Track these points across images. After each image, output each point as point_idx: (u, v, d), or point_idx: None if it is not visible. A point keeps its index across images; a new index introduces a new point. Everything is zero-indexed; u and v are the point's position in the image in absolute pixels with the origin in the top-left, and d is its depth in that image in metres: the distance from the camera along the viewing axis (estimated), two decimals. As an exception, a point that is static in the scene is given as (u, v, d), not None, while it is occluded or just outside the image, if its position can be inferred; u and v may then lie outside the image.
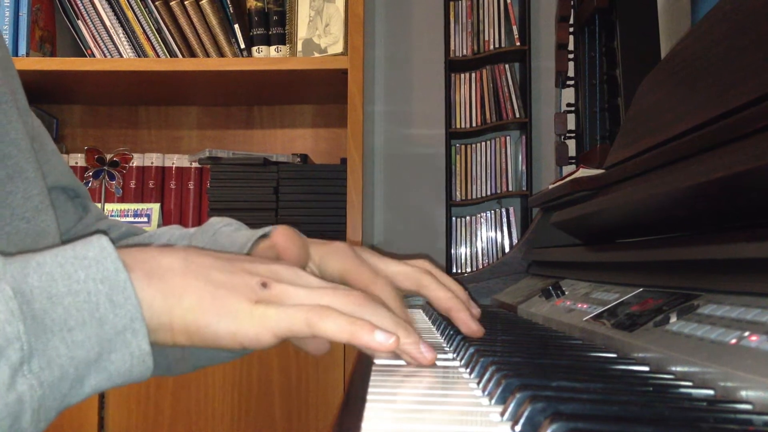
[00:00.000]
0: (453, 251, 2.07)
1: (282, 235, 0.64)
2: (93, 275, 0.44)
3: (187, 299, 0.47)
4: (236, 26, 1.90)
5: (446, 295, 0.66)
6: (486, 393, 0.45)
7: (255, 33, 1.90)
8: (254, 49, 1.90)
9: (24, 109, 0.70)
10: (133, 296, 0.44)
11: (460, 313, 0.65)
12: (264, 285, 0.50)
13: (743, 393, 0.40)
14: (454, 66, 2.11)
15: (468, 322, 0.65)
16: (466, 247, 2.08)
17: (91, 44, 1.92)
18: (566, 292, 0.90)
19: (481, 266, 2.07)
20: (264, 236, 0.68)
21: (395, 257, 0.70)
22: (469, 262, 2.08)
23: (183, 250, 0.50)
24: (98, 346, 0.43)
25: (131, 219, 1.94)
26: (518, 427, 0.35)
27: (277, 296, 0.50)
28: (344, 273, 0.65)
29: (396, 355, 0.56)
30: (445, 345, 0.70)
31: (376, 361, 0.58)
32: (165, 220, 2.00)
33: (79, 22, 1.92)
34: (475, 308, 0.68)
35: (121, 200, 2.00)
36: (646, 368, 0.52)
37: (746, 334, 0.44)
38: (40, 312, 0.42)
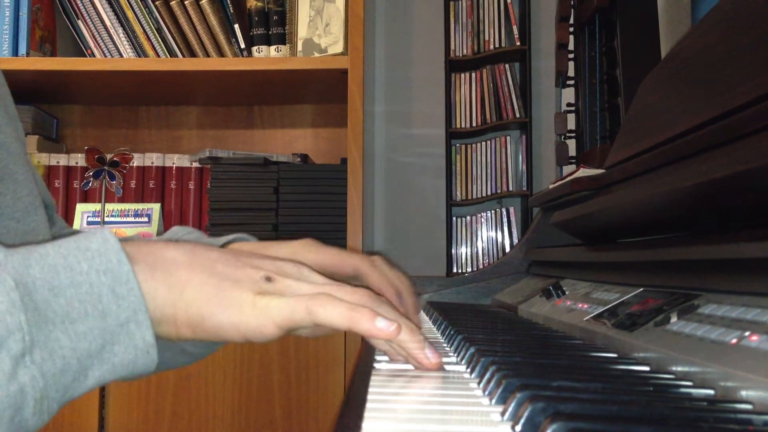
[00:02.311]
0: (453, 251, 2.07)
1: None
2: (96, 266, 0.43)
3: (191, 291, 0.47)
4: (236, 26, 1.90)
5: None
6: (486, 393, 0.45)
7: (255, 33, 1.90)
8: (254, 48, 1.90)
9: (12, 114, 0.71)
10: (136, 287, 0.44)
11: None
12: (268, 279, 0.51)
13: (743, 393, 0.40)
14: (454, 66, 2.11)
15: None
16: (466, 247, 2.09)
17: (92, 44, 1.92)
18: (567, 292, 0.90)
19: (481, 266, 2.07)
20: (226, 244, 0.70)
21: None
22: (469, 262, 2.08)
23: (188, 244, 0.50)
24: (101, 338, 0.43)
25: (132, 219, 1.94)
26: (518, 427, 0.35)
27: (281, 289, 0.50)
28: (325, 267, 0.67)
29: (401, 358, 0.56)
30: (445, 345, 0.71)
31: (377, 361, 0.58)
32: (165, 220, 2.00)
33: (80, 22, 1.92)
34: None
35: (122, 200, 2.00)
36: (646, 368, 0.52)
37: (746, 333, 0.44)
38: (42, 303, 0.41)
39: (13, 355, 0.40)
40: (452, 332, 0.71)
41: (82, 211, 1.94)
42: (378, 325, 0.50)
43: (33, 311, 0.41)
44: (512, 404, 0.38)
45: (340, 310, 0.50)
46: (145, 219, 1.94)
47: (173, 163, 2.03)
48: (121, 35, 1.91)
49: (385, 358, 0.60)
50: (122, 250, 0.44)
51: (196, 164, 2.01)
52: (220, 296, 0.48)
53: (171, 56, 1.90)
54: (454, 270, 2.06)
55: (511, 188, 2.07)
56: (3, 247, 0.44)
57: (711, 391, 0.43)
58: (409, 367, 0.56)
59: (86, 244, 0.44)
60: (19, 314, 0.40)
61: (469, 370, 0.54)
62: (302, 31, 1.88)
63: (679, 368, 0.49)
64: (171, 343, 0.68)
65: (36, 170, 0.79)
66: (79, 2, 1.91)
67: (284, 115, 2.16)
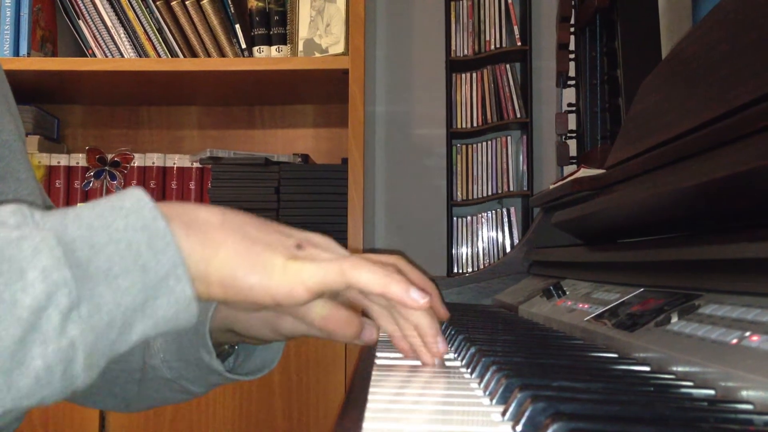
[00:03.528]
0: (454, 251, 2.07)
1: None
2: (132, 224, 0.44)
3: (224, 251, 0.47)
4: (237, 26, 1.90)
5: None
6: (487, 393, 0.45)
7: (256, 33, 1.90)
8: (255, 49, 1.90)
9: (14, 113, 0.71)
10: (172, 243, 0.44)
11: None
12: (299, 246, 0.51)
13: (744, 393, 0.40)
14: (455, 66, 2.11)
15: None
16: (467, 247, 2.09)
17: (92, 44, 1.92)
18: (567, 292, 0.90)
19: (482, 266, 2.07)
20: None
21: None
22: (470, 262, 2.08)
23: (220, 207, 0.51)
24: (143, 293, 0.43)
25: (132, 219, 1.94)
26: (519, 427, 0.35)
27: (311, 255, 0.51)
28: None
29: (404, 344, 0.57)
30: (446, 345, 0.70)
31: (377, 361, 0.58)
32: (166, 220, 2.00)
33: (80, 22, 1.92)
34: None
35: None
36: (647, 368, 0.52)
37: (747, 334, 0.44)
38: (84, 260, 0.42)
39: (61, 310, 0.40)
40: (453, 332, 0.71)
41: (83, 211, 1.94)
42: (412, 295, 0.51)
43: (76, 267, 0.41)
44: (513, 404, 0.38)
45: (374, 274, 0.50)
46: (146, 219, 1.94)
47: (174, 164, 2.04)
48: (122, 35, 1.91)
49: (385, 357, 0.60)
50: (157, 208, 0.45)
51: (197, 164, 2.01)
52: (253, 258, 0.48)
53: (172, 56, 1.90)
54: (455, 270, 2.06)
55: (511, 188, 2.07)
56: (36, 210, 0.44)
57: (711, 391, 0.43)
58: (410, 366, 0.56)
59: (120, 203, 0.45)
60: (64, 270, 0.40)
61: (469, 370, 0.54)
62: (303, 31, 1.88)
63: (680, 368, 0.49)
64: (172, 381, 0.68)
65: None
66: (80, 2, 1.91)
67: (285, 115, 2.16)
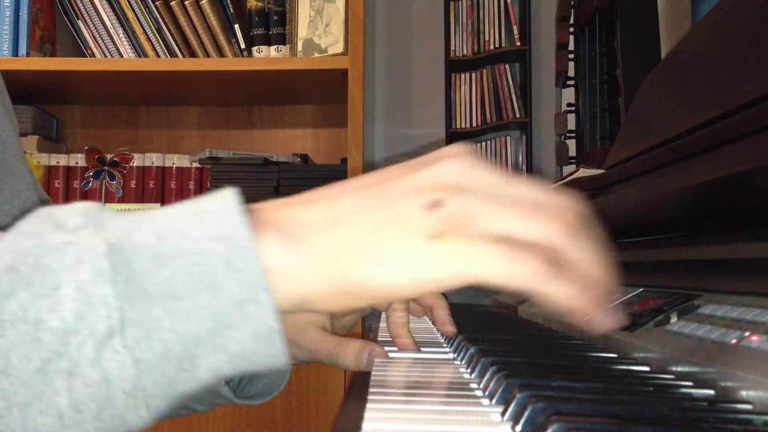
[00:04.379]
0: (453, 251, 2.07)
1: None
2: (210, 233, 0.35)
3: (342, 256, 0.37)
4: (236, 26, 1.90)
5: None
6: (487, 393, 0.45)
7: (255, 33, 1.90)
8: (254, 49, 1.90)
9: (9, 107, 0.70)
10: (254, 259, 0.35)
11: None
12: (436, 204, 0.37)
13: (743, 393, 0.40)
14: (454, 66, 2.11)
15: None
16: (466, 247, 2.09)
17: (92, 44, 1.92)
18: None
19: (481, 266, 2.06)
20: None
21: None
22: (469, 262, 2.08)
23: (326, 194, 0.39)
24: (212, 320, 0.34)
25: (131, 219, 1.94)
26: (519, 427, 0.35)
27: (461, 219, 0.37)
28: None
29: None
30: (445, 345, 0.71)
31: (377, 361, 0.58)
32: (165, 220, 2.00)
33: (80, 22, 1.92)
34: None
35: (122, 200, 2.00)
36: (646, 368, 0.52)
37: (747, 334, 0.44)
38: (141, 275, 0.34)
39: (96, 335, 0.33)
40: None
41: (82, 211, 1.94)
42: (600, 322, 0.37)
43: (126, 283, 0.34)
44: (512, 404, 0.38)
45: (563, 290, 0.36)
46: (145, 219, 1.94)
47: (173, 164, 2.03)
48: (121, 35, 1.91)
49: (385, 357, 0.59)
50: (244, 213, 0.36)
51: (196, 164, 2.01)
52: (382, 252, 0.37)
53: (171, 56, 1.90)
54: (454, 270, 2.06)
55: (511, 188, 2.07)
56: (116, 211, 0.37)
57: (711, 392, 0.43)
58: (409, 366, 0.56)
59: (204, 207, 0.37)
60: (105, 286, 0.33)
61: (469, 370, 0.54)
62: (302, 31, 1.88)
63: (679, 368, 0.49)
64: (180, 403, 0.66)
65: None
66: (79, 2, 1.91)
67: (284, 115, 2.16)
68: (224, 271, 0.35)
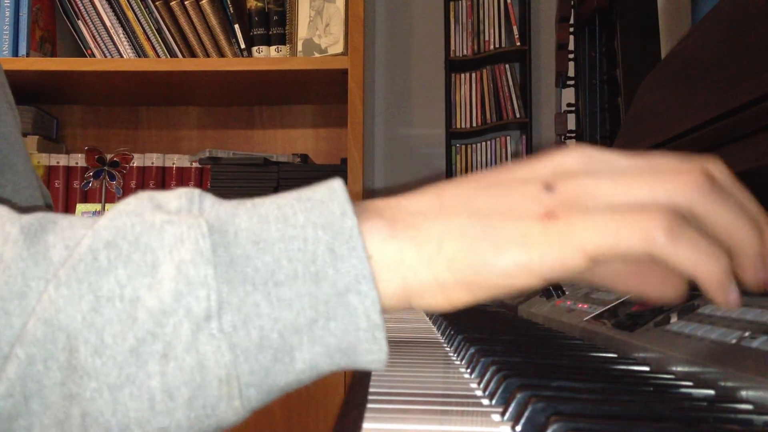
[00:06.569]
0: (453, 251, 2.07)
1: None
2: (314, 219, 0.34)
3: (451, 243, 0.35)
4: (236, 26, 1.90)
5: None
6: (487, 393, 0.45)
7: (255, 33, 1.90)
8: (254, 49, 1.90)
9: (11, 103, 0.70)
10: (360, 247, 0.33)
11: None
12: (549, 188, 0.35)
13: (743, 393, 0.40)
14: (454, 66, 2.11)
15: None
16: (466, 247, 2.09)
17: (92, 44, 1.92)
18: (567, 292, 0.90)
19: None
20: None
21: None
22: (469, 262, 2.08)
23: (433, 188, 0.37)
24: (312, 309, 0.33)
25: (131, 219, 1.94)
26: (519, 427, 0.35)
27: (574, 198, 0.35)
28: None
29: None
30: (445, 345, 0.71)
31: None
32: (165, 220, 2.00)
33: (80, 22, 1.92)
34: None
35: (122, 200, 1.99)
36: (646, 368, 0.52)
37: (746, 334, 0.44)
38: (242, 258, 0.33)
39: (193, 317, 0.32)
40: (452, 332, 0.71)
41: (82, 211, 1.94)
42: (729, 298, 0.34)
43: (227, 265, 0.32)
44: (513, 404, 0.38)
45: (696, 251, 0.33)
46: (145, 219, 1.94)
47: (173, 164, 2.03)
48: (121, 35, 1.91)
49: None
50: (350, 201, 0.35)
51: (196, 164, 2.01)
52: (492, 236, 0.34)
53: (171, 56, 1.90)
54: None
55: (511, 188, 2.07)
56: (217, 197, 0.36)
57: (711, 392, 0.43)
58: (409, 366, 0.56)
59: (309, 194, 0.36)
60: (205, 266, 0.32)
61: (469, 369, 0.54)
62: (302, 31, 1.88)
63: (680, 368, 0.49)
64: None
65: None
66: (79, 2, 1.91)
67: (284, 115, 2.16)
68: (327, 258, 0.33)
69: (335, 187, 0.36)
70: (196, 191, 0.36)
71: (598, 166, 0.36)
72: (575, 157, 0.36)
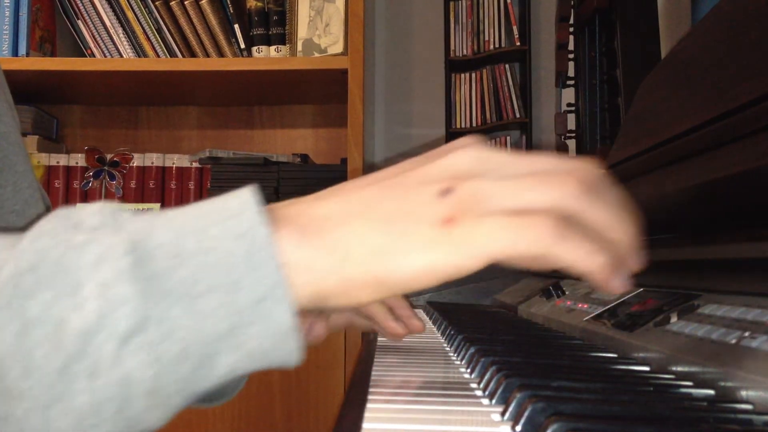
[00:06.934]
0: (453, 251, 2.07)
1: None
2: (230, 230, 0.35)
3: (358, 248, 0.37)
4: (236, 26, 1.90)
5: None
6: (487, 393, 0.45)
7: (255, 33, 1.90)
8: (254, 49, 1.90)
9: (11, 103, 0.70)
10: (273, 256, 0.35)
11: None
12: (447, 191, 0.37)
13: (743, 393, 0.40)
14: (454, 66, 2.11)
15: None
16: (466, 247, 2.09)
17: (91, 44, 1.92)
18: (566, 292, 0.90)
19: (481, 266, 2.06)
20: None
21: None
22: (469, 262, 2.08)
23: (339, 190, 0.40)
24: (229, 318, 0.34)
25: (131, 219, 1.94)
26: (519, 427, 0.35)
27: (472, 202, 0.37)
28: None
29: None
30: (445, 345, 0.71)
31: (377, 360, 0.58)
32: (165, 220, 2.00)
33: (79, 22, 1.92)
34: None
35: (122, 200, 2.00)
36: (646, 368, 0.52)
37: (747, 334, 0.44)
38: (163, 272, 0.34)
39: (118, 335, 0.33)
40: (452, 332, 0.71)
41: (82, 211, 1.94)
42: (614, 285, 0.37)
43: (148, 281, 0.34)
44: (512, 404, 0.38)
45: (579, 251, 0.36)
46: (145, 219, 1.94)
47: (173, 164, 2.03)
48: (121, 35, 1.91)
49: (386, 356, 0.60)
50: (262, 211, 0.36)
51: (196, 164, 2.01)
52: (397, 241, 0.36)
53: (171, 56, 1.90)
54: (454, 270, 2.06)
55: (511, 188, 2.07)
56: (132, 211, 0.38)
57: (711, 392, 0.43)
58: (409, 366, 0.56)
59: (221, 205, 0.37)
60: (126, 285, 0.33)
61: (469, 369, 0.54)
62: (302, 31, 1.88)
63: (680, 368, 0.49)
64: None
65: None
66: (79, 2, 1.91)
67: (284, 115, 2.16)
68: (243, 268, 0.35)
69: (247, 197, 0.37)
70: (109, 207, 0.37)
71: (489, 168, 0.38)
72: (468, 158, 0.39)
